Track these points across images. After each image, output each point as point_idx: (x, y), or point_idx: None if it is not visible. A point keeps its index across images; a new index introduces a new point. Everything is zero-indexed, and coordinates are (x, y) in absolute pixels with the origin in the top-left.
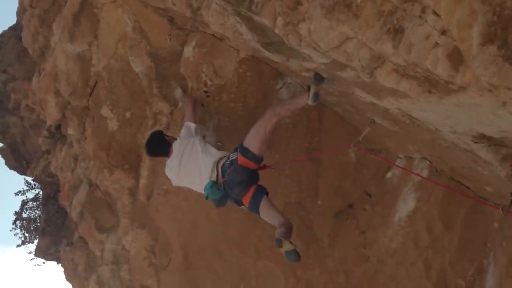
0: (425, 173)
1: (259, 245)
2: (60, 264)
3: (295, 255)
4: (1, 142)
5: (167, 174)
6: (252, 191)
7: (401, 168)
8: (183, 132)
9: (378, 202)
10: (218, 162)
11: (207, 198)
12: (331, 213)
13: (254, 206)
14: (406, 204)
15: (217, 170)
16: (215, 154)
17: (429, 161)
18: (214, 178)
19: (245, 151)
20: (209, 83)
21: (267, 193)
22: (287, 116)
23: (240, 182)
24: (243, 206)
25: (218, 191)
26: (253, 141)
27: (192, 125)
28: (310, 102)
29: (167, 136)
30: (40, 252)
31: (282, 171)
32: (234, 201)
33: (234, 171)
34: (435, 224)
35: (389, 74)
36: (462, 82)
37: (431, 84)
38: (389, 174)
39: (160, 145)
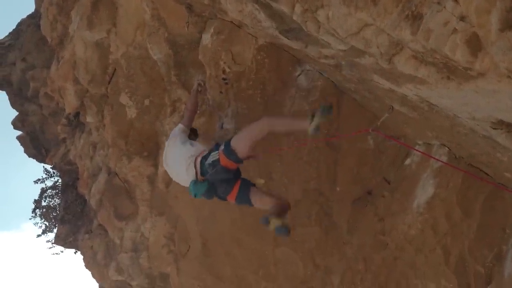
0: (444, 160)
1: None
2: (79, 252)
3: (284, 229)
4: (20, 130)
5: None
6: (237, 188)
7: (421, 152)
8: (173, 133)
9: (397, 188)
10: (196, 158)
11: (195, 196)
12: (350, 200)
13: (244, 199)
14: (425, 191)
15: (195, 167)
16: (191, 149)
17: (448, 148)
18: (192, 175)
19: (230, 153)
20: (227, 70)
21: (253, 185)
22: (279, 132)
23: (222, 182)
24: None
25: (201, 185)
26: (241, 144)
27: (181, 127)
28: (309, 132)
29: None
30: (59, 240)
31: (301, 158)
32: (218, 197)
33: (216, 173)
34: (454, 210)
35: (408, 61)
36: (481, 68)
37: (449, 71)
38: (407, 161)
39: None
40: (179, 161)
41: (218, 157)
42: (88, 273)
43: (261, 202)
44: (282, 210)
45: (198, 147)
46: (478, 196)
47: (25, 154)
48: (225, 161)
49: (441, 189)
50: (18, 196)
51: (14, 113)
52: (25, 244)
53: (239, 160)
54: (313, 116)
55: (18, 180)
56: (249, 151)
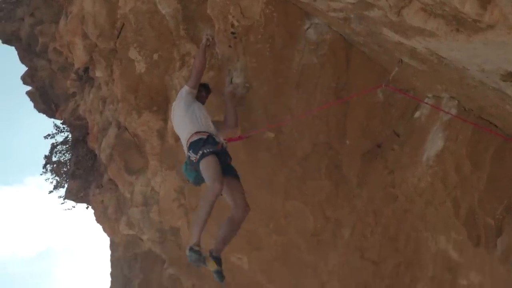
0: (453, 112)
1: (288, 185)
2: (90, 207)
3: (220, 276)
4: (29, 85)
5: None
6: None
7: (431, 106)
8: (180, 95)
9: (407, 141)
10: (189, 137)
11: (188, 181)
12: (359, 153)
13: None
14: (434, 144)
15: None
16: (190, 123)
17: (457, 100)
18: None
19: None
20: (236, 24)
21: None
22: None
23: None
24: None
25: (191, 173)
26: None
27: (186, 89)
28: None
29: None
30: (71, 195)
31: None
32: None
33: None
34: (463, 163)
35: (417, 13)
36: (490, 20)
37: (459, 23)
38: (417, 114)
39: None
40: (182, 128)
41: (194, 160)
42: (99, 227)
43: (230, 194)
44: (230, 233)
45: (196, 123)
46: (488, 149)
47: (26, 110)
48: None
49: (450, 142)
50: (19, 151)
51: (23, 68)
52: (29, 199)
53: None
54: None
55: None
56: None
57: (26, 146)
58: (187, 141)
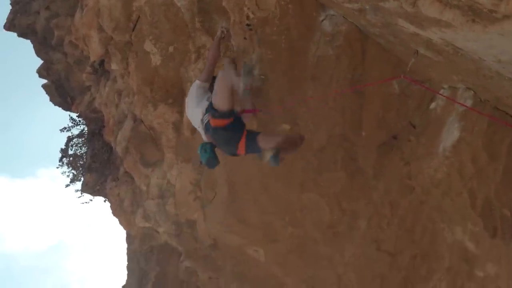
0: (469, 103)
1: (304, 178)
2: (107, 200)
3: (275, 158)
4: (45, 78)
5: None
6: (244, 141)
7: (447, 97)
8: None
9: (423, 133)
10: (202, 116)
11: (201, 163)
12: (375, 145)
13: (253, 148)
14: (450, 135)
15: (203, 122)
16: (202, 105)
17: (473, 91)
18: (203, 135)
19: (213, 111)
20: (251, 16)
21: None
22: (232, 72)
23: (224, 141)
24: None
25: (205, 153)
26: (216, 100)
27: (197, 83)
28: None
29: None
30: (87, 188)
31: (326, 103)
32: (231, 154)
33: (214, 134)
34: (479, 154)
35: (432, 4)
36: (506, 11)
37: (474, 13)
38: (433, 105)
39: None
40: (195, 121)
41: (208, 119)
42: (111, 221)
43: (269, 143)
44: (290, 144)
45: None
46: (504, 140)
47: (39, 103)
48: (214, 121)
49: (466, 132)
50: (33, 143)
51: (38, 62)
52: (41, 191)
53: (225, 115)
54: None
55: (32, 128)
56: (228, 103)
57: (40, 139)
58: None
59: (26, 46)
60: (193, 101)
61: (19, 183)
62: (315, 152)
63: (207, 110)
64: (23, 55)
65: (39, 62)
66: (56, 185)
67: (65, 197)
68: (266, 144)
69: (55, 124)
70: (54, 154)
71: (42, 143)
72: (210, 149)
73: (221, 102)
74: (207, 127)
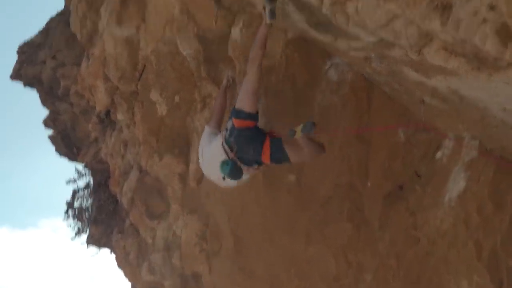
0: (475, 152)
1: (309, 229)
2: (112, 252)
3: (310, 123)
4: (51, 128)
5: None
6: (268, 144)
7: (453, 143)
8: (203, 135)
9: (428, 182)
10: (222, 142)
11: (224, 178)
12: (381, 195)
13: (278, 154)
14: (456, 184)
15: (224, 148)
16: (219, 137)
17: (479, 140)
18: (223, 157)
19: (237, 113)
20: None
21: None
22: (262, 54)
23: (249, 143)
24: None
25: (226, 166)
26: (243, 101)
27: (207, 130)
28: (268, 21)
29: None
30: (93, 241)
31: (331, 152)
32: (255, 163)
33: (237, 137)
34: (485, 204)
35: (438, 52)
36: (511, 59)
37: (479, 61)
38: (438, 154)
39: None
40: (212, 159)
41: (232, 123)
42: (119, 272)
43: (299, 153)
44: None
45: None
46: (510, 189)
47: (40, 152)
48: (237, 122)
49: (472, 182)
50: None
51: (44, 112)
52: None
53: (250, 116)
54: (264, 9)
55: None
56: (254, 104)
57: (42, 189)
58: (222, 145)
59: (32, 95)
60: (206, 143)
61: (20, 234)
62: (321, 203)
63: (230, 117)
64: (29, 105)
65: (44, 112)
66: (58, 236)
67: (68, 247)
68: (297, 154)
69: (58, 174)
70: (57, 204)
71: (44, 193)
72: (232, 162)
73: (246, 102)
74: (231, 133)
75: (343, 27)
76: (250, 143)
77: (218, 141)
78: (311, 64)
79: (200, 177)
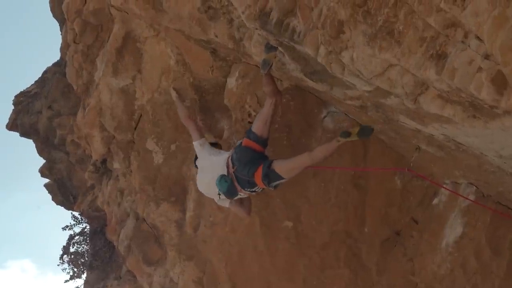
0: (471, 198)
1: (307, 275)
2: None
3: (368, 129)
4: (47, 178)
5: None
6: (261, 166)
7: (450, 191)
8: (196, 151)
9: (425, 228)
10: (228, 158)
11: (219, 194)
12: (378, 241)
13: (270, 173)
14: (453, 230)
15: (228, 163)
16: (226, 152)
17: (476, 186)
18: (224, 172)
19: (249, 133)
20: (253, 113)
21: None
22: (271, 91)
23: (246, 161)
24: (259, 189)
25: (225, 182)
26: (256, 124)
27: (199, 142)
28: (261, 71)
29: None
30: (88, 286)
31: (329, 200)
32: (248, 184)
33: (239, 153)
34: (483, 249)
35: (433, 100)
36: (507, 106)
37: (475, 109)
38: (435, 200)
39: None
40: (212, 171)
41: (241, 141)
42: None
43: (289, 167)
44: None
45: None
46: (507, 235)
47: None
48: (246, 141)
49: (469, 228)
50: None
51: (40, 161)
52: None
53: (259, 139)
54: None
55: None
56: (264, 127)
57: (7, 227)
58: (227, 160)
59: (28, 145)
60: (205, 156)
61: None
62: (318, 249)
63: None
64: (25, 154)
65: (41, 160)
66: (27, 276)
67: None
68: (286, 169)
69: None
70: (23, 245)
71: (10, 231)
72: (230, 179)
73: (259, 125)
74: (236, 150)
75: (338, 76)
76: (248, 163)
77: (224, 155)
78: (307, 112)
79: (197, 225)
